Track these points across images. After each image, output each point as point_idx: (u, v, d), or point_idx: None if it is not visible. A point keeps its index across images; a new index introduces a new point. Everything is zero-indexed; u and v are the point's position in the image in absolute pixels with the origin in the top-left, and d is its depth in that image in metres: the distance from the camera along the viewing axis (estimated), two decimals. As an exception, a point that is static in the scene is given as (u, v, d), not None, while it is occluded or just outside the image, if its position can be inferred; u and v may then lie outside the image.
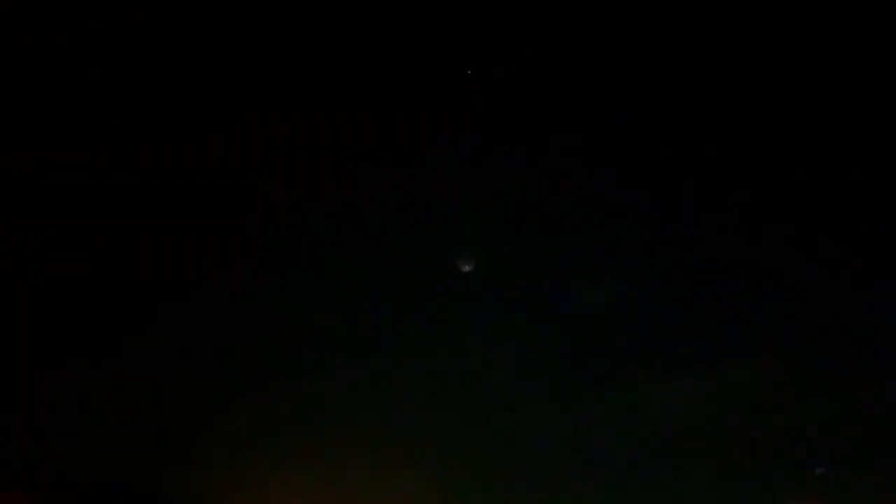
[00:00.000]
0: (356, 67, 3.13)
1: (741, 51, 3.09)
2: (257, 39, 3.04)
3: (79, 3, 2.88)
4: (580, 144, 3.46)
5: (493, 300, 4.19)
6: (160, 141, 3.36)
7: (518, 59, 3.12)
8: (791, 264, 4.01)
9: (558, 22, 2.99)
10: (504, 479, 5.68)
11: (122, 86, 3.16)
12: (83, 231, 3.71)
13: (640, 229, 3.83)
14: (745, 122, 3.36)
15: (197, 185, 3.54)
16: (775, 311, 4.27)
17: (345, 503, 5.86)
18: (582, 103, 3.28)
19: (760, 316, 4.30)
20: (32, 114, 3.24)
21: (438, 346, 4.45)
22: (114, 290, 4.01)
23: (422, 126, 3.36)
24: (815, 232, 3.85)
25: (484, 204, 3.70)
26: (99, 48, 3.01)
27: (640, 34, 3.05)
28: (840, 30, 2.99)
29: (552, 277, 4.08)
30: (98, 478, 5.40)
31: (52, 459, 5.22)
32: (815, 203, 3.70)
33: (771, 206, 3.73)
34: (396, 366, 4.57)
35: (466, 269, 3.90)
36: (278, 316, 4.22)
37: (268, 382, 4.67)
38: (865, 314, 4.28)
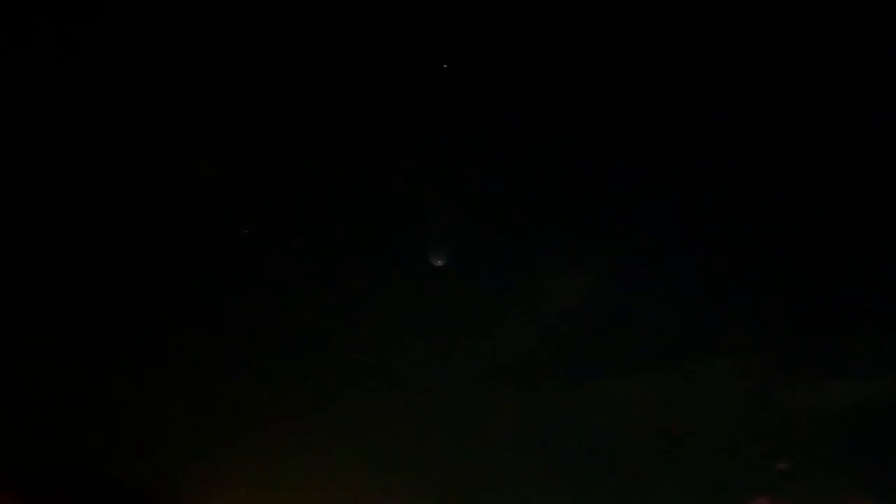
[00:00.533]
0: (335, 63, 3.13)
1: (732, 48, 3.10)
2: (239, 39, 3.04)
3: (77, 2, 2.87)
4: (567, 141, 3.46)
5: (469, 296, 4.18)
6: (142, 135, 3.36)
7: (508, 55, 3.12)
8: (769, 264, 4.02)
9: (550, 16, 2.99)
10: (480, 475, 5.69)
11: (113, 80, 3.16)
12: (70, 229, 3.70)
13: (620, 225, 3.84)
14: (738, 121, 3.38)
15: (177, 179, 3.53)
16: (750, 309, 4.29)
17: (336, 500, 5.87)
18: (561, 100, 3.29)
19: (736, 313, 4.31)
20: (30, 110, 3.23)
21: (417, 341, 4.45)
22: (105, 291, 4.00)
23: (407, 121, 3.36)
24: (792, 232, 3.87)
25: (459, 199, 3.70)
26: (95, 47, 3.01)
27: (631, 26, 3.06)
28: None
29: (529, 272, 4.08)
30: (93, 476, 5.39)
31: (47, 459, 5.20)
32: (797, 200, 3.72)
33: (753, 201, 3.74)
34: (374, 363, 4.56)
35: (440, 263, 3.91)
36: (264, 314, 4.21)
37: (256, 381, 4.67)
38: (838, 314, 4.30)
